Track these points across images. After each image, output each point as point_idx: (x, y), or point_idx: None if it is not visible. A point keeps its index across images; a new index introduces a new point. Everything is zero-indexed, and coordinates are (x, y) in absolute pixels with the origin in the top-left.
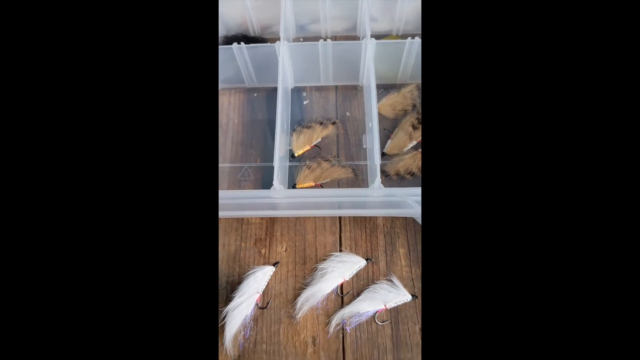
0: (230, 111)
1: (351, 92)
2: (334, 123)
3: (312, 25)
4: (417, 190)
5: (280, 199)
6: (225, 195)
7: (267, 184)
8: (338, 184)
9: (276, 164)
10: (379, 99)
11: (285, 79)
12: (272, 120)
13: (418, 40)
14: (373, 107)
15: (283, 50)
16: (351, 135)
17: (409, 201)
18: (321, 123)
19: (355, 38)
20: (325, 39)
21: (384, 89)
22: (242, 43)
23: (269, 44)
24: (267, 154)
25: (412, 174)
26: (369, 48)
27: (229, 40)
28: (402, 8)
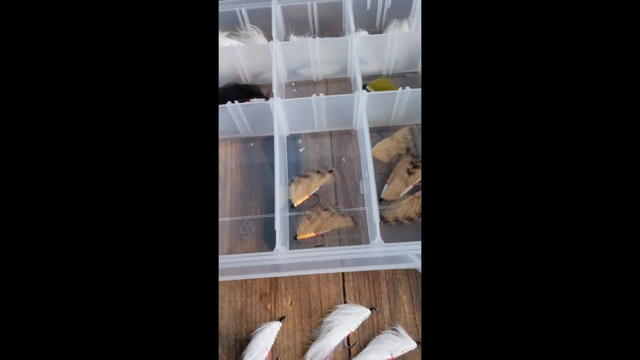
0: (227, 162)
1: (345, 137)
2: (330, 171)
3: (303, 70)
4: (417, 245)
5: (284, 259)
6: (227, 260)
7: (268, 236)
8: (338, 232)
9: (277, 226)
10: (373, 144)
11: (281, 129)
12: (270, 169)
13: (409, 90)
14: (368, 158)
15: (277, 108)
16: (348, 180)
17: (410, 255)
18: (318, 172)
19: (347, 80)
20: (317, 94)
21: (377, 132)
22: (237, 102)
23: (263, 101)
24: (267, 204)
25: (411, 219)
26: (361, 100)
27: (222, 92)
28: (391, 49)
